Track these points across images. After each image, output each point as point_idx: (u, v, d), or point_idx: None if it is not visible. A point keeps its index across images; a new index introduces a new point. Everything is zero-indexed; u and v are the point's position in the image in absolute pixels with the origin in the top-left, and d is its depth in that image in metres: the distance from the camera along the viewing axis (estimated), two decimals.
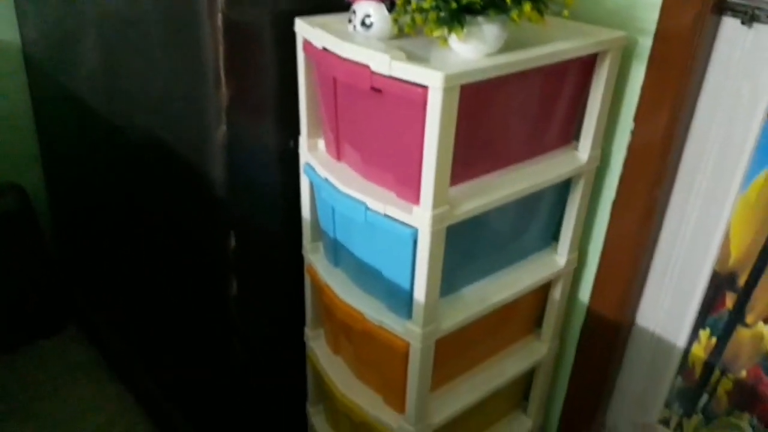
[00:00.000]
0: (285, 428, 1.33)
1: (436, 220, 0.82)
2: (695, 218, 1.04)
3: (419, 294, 0.89)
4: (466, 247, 0.96)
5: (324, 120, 0.97)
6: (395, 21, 0.85)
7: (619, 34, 0.94)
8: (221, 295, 1.11)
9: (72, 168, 1.56)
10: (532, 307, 1.15)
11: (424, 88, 0.74)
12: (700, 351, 1.11)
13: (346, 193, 0.91)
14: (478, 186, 0.90)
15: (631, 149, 1.03)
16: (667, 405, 1.19)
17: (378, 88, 0.79)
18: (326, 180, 0.95)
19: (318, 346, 1.16)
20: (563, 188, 1.05)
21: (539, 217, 1.06)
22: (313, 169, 0.98)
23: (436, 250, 0.86)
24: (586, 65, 0.94)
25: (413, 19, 0.81)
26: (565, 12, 0.82)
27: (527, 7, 0.76)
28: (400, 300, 0.94)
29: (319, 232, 1.09)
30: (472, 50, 0.79)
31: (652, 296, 1.13)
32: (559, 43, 0.86)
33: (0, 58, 1.61)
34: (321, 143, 1.01)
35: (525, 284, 1.04)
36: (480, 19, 0.77)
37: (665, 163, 1.01)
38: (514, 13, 0.76)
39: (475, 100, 0.81)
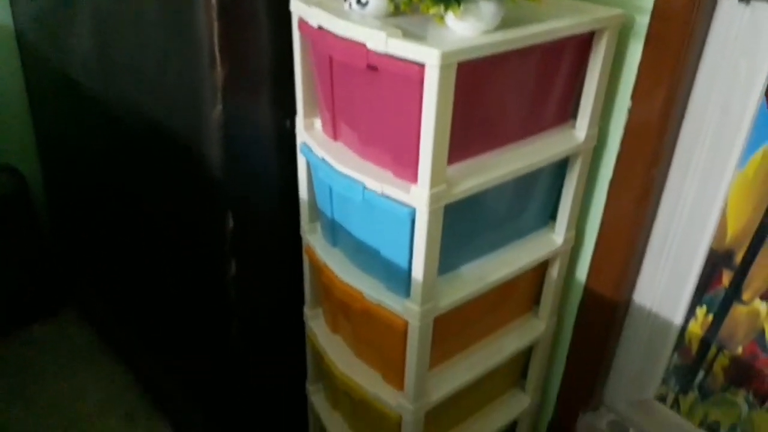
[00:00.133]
0: (285, 407, 1.34)
1: (433, 199, 0.82)
2: (692, 196, 1.04)
3: (417, 272, 0.89)
4: (464, 226, 0.97)
5: (320, 99, 0.96)
6: None
7: (616, 12, 0.93)
8: (220, 276, 1.11)
9: (67, 151, 1.56)
10: (529, 286, 1.16)
11: (421, 65, 0.74)
12: (696, 328, 1.12)
13: (344, 173, 0.91)
14: (475, 165, 0.90)
15: (629, 128, 1.03)
16: (664, 382, 1.20)
17: (374, 65, 0.79)
18: (323, 160, 0.95)
19: (317, 326, 1.17)
20: (560, 167, 1.05)
21: (536, 196, 1.06)
22: (309, 148, 0.98)
23: (434, 229, 0.86)
24: (583, 43, 0.94)
25: None
26: None
27: None
28: (399, 279, 0.94)
29: (316, 213, 1.09)
30: (468, 28, 0.79)
31: (649, 274, 1.13)
32: (556, 21, 0.86)
33: None
34: (317, 123, 1.01)
35: (523, 263, 1.05)
36: None
37: (662, 142, 1.01)
38: None
39: (472, 78, 0.80)
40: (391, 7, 0.85)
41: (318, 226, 1.10)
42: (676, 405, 1.20)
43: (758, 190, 0.97)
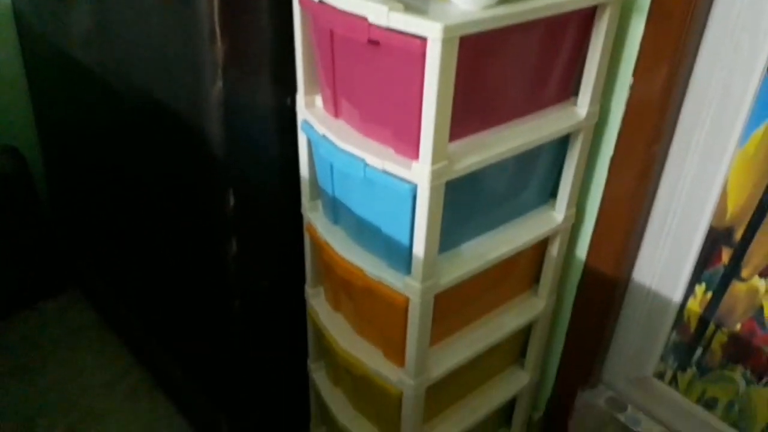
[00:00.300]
0: (286, 385, 1.35)
1: (435, 175, 0.82)
2: (693, 174, 1.04)
3: (418, 249, 0.90)
4: (465, 204, 0.97)
5: (321, 76, 0.96)
6: None
7: None
8: (221, 254, 1.11)
9: (66, 129, 1.55)
10: (529, 264, 1.16)
11: (423, 39, 0.73)
12: (695, 306, 1.13)
13: (345, 150, 0.91)
14: (476, 142, 0.90)
15: (630, 105, 1.02)
16: (662, 359, 1.21)
17: (376, 40, 0.78)
18: (324, 137, 0.95)
19: (318, 304, 1.17)
20: (561, 144, 1.05)
21: (537, 173, 1.06)
22: (310, 126, 0.98)
23: (435, 206, 0.86)
24: (585, 18, 0.93)
25: None
26: None
27: None
28: (400, 256, 0.94)
29: (317, 190, 1.09)
30: (470, 2, 0.78)
31: (649, 252, 1.14)
32: None
33: None
34: (318, 100, 1.00)
35: (523, 240, 1.05)
36: None
37: (664, 119, 1.01)
38: None
39: (474, 53, 0.80)
40: None
41: (319, 204, 1.10)
42: (674, 382, 1.21)
43: (759, 167, 0.97)
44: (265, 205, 1.11)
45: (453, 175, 0.85)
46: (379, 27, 0.77)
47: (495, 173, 0.97)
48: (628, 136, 1.04)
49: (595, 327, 1.22)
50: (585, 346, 1.25)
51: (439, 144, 0.81)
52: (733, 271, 1.06)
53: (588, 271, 1.18)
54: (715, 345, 1.12)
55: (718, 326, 1.11)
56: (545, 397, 1.37)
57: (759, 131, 0.96)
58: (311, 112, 0.99)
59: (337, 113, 0.96)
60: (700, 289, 1.11)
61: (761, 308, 1.04)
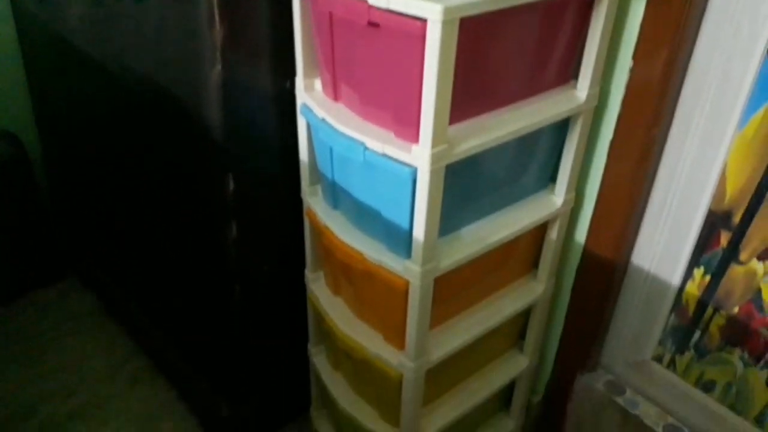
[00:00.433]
0: (287, 369, 1.36)
1: (435, 158, 0.82)
2: (692, 157, 1.04)
3: (418, 233, 0.90)
4: (465, 188, 0.97)
5: (320, 59, 0.96)
6: None
7: None
8: (221, 239, 1.11)
9: (64, 115, 1.55)
10: (529, 248, 1.17)
11: (423, 21, 0.73)
12: (694, 289, 1.13)
13: (344, 133, 0.91)
14: (476, 125, 0.90)
15: (630, 88, 1.02)
16: (661, 343, 1.22)
17: (375, 22, 0.78)
18: (323, 120, 0.94)
19: (318, 288, 1.17)
20: (561, 128, 1.05)
21: (537, 157, 1.06)
22: (310, 109, 0.98)
23: (435, 189, 0.86)
24: (585, 1, 0.93)
25: None
26: None
27: None
28: (400, 240, 0.94)
29: (317, 175, 1.09)
30: None
31: (648, 236, 1.14)
32: None
33: None
34: (317, 83, 1.00)
35: (522, 224, 1.05)
36: None
37: (663, 102, 1.01)
38: None
39: (474, 35, 0.80)
40: None
41: (318, 188, 1.11)
42: (672, 365, 1.21)
43: (758, 150, 0.97)
44: (264, 190, 1.11)
45: (453, 159, 0.85)
46: (378, 9, 0.77)
47: (495, 157, 0.97)
48: (628, 119, 1.04)
49: (594, 311, 1.23)
50: (584, 330, 1.26)
51: (439, 127, 0.81)
52: (731, 254, 1.06)
53: (587, 254, 1.18)
54: (713, 328, 1.13)
55: (716, 309, 1.11)
56: (544, 381, 1.38)
57: (758, 114, 0.96)
58: (310, 95, 0.99)
59: (336, 97, 0.96)
60: (698, 272, 1.12)
61: (759, 291, 1.04)
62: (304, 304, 1.24)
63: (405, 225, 0.92)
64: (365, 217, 0.99)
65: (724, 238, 1.06)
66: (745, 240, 1.04)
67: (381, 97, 0.87)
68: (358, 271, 1.01)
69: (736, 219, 1.04)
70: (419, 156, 0.83)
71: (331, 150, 0.98)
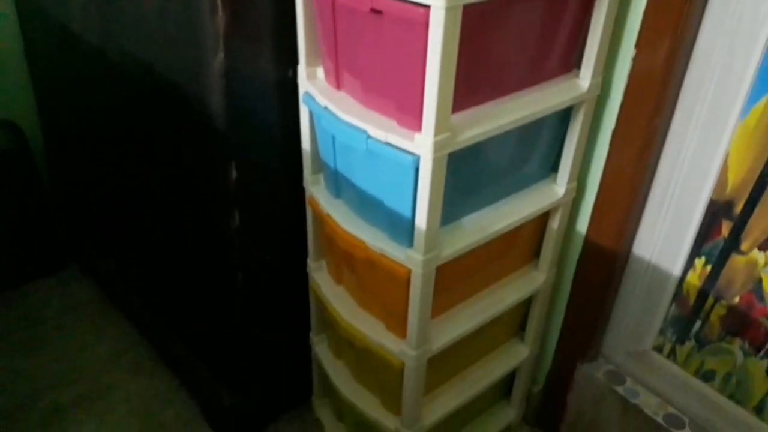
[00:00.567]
0: (289, 358, 1.36)
1: (438, 146, 0.83)
2: (694, 146, 1.04)
3: (420, 221, 0.90)
4: (467, 177, 0.97)
5: (323, 47, 0.96)
6: None
7: None
8: (223, 227, 1.12)
9: (66, 103, 1.55)
10: (530, 237, 1.17)
11: (426, 8, 0.73)
12: (694, 279, 1.13)
13: (347, 121, 0.91)
14: (479, 113, 0.90)
15: (632, 77, 1.02)
16: (661, 332, 1.22)
17: (378, 9, 0.78)
18: (326, 108, 0.94)
19: (320, 277, 1.18)
20: (563, 117, 1.05)
21: (539, 147, 1.06)
22: (312, 98, 0.98)
23: (438, 178, 0.86)
24: None
25: None
26: None
27: None
28: (402, 228, 0.95)
29: (319, 164, 1.09)
30: None
31: (649, 225, 1.14)
32: None
33: None
34: (320, 72, 1.00)
35: (524, 214, 1.05)
36: None
37: (666, 91, 1.01)
38: None
39: (477, 22, 0.80)
40: None
41: (321, 177, 1.11)
42: (672, 355, 1.22)
43: (760, 140, 0.97)
44: (267, 179, 1.11)
45: (456, 147, 0.85)
46: None
47: (497, 146, 0.97)
48: (630, 109, 1.04)
49: (595, 300, 1.23)
50: (585, 320, 1.26)
51: (442, 115, 0.81)
52: (732, 244, 1.06)
53: (588, 244, 1.19)
54: (714, 318, 1.13)
55: (717, 299, 1.12)
56: (545, 371, 1.38)
57: (760, 104, 0.96)
58: (313, 83, 0.99)
59: (339, 85, 0.96)
60: (699, 262, 1.12)
61: (760, 281, 1.05)
62: (306, 293, 1.25)
63: (407, 213, 0.92)
64: (367, 205, 1.00)
65: (726, 227, 1.06)
66: (746, 230, 1.04)
67: (384, 85, 0.87)
68: (360, 259, 1.02)
69: (738, 209, 1.04)
70: (422, 144, 0.83)
71: (333, 138, 0.98)
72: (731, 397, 1.14)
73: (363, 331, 1.07)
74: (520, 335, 1.31)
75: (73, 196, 1.74)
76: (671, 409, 1.20)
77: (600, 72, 1.01)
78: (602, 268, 1.19)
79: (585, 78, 1.00)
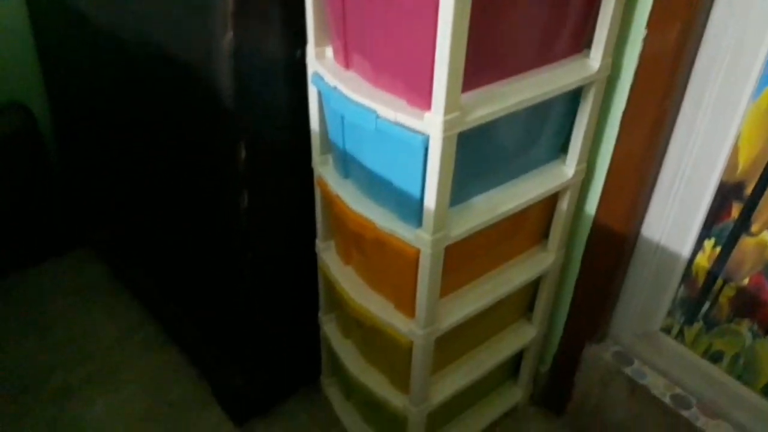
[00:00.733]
0: (298, 337, 1.37)
1: (447, 125, 0.82)
2: (705, 128, 1.04)
3: (429, 201, 0.90)
4: (476, 157, 0.97)
5: (332, 27, 0.95)
6: None
7: None
8: (232, 208, 1.12)
9: (74, 85, 1.55)
10: (539, 218, 1.17)
11: None
12: (704, 260, 1.13)
13: (356, 101, 0.91)
14: (489, 93, 0.90)
15: (643, 58, 1.01)
16: (670, 314, 1.22)
17: None
18: (335, 88, 0.94)
19: (329, 258, 1.18)
20: (573, 98, 1.04)
21: (549, 127, 1.06)
22: (321, 78, 0.98)
23: (447, 158, 0.86)
24: None
25: None
26: None
27: None
28: (411, 208, 0.95)
29: (328, 144, 1.09)
30: None
31: (659, 207, 1.14)
32: None
33: None
34: (329, 51, 1.00)
35: (533, 195, 1.05)
36: None
37: (677, 72, 1.00)
38: None
39: (488, 0, 0.79)
40: None
41: (329, 158, 1.11)
42: (680, 336, 1.22)
43: None
44: (276, 159, 1.11)
45: (465, 126, 0.85)
46: None
47: (506, 127, 0.97)
48: (641, 89, 1.04)
49: (604, 282, 1.23)
50: (593, 301, 1.27)
51: (452, 94, 0.80)
52: (742, 225, 1.06)
53: (597, 226, 1.19)
54: (723, 299, 1.13)
55: (726, 281, 1.12)
56: (552, 351, 1.39)
57: None
58: (322, 63, 0.98)
59: (348, 65, 0.95)
60: (708, 243, 1.12)
61: None
62: (314, 273, 1.25)
63: (416, 194, 0.92)
64: (376, 186, 1.00)
65: (736, 209, 1.06)
66: (756, 211, 1.04)
67: (393, 65, 0.87)
68: (369, 240, 1.02)
69: (748, 190, 1.03)
70: (432, 123, 0.83)
71: (342, 118, 0.98)
72: (739, 378, 1.15)
73: (371, 311, 1.07)
74: (528, 316, 1.32)
75: (82, 177, 1.75)
76: (678, 390, 1.20)
77: (610, 52, 1.00)
78: (611, 250, 1.19)
79: (595, 58, 1.00)
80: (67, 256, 1.82)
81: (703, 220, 1.10)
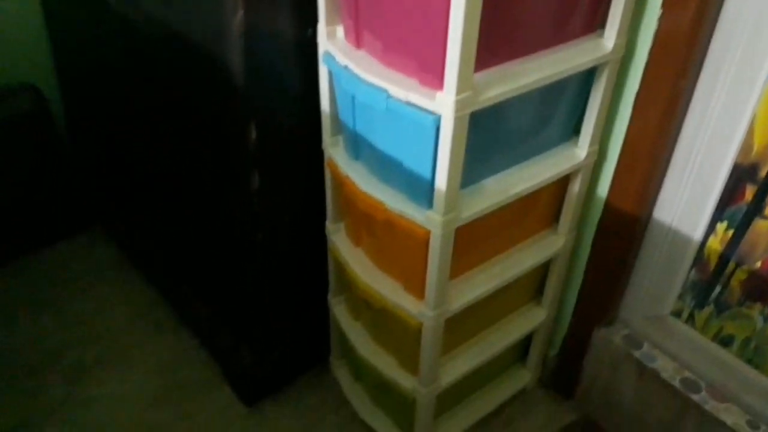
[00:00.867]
0: (308, 318, 1.38)
1: (459, 105, 0.82)
2: (719, 109, 1.03)
3: (441, 182, 0.90)
4: (488, 138, 0.96)
5: (342, 5, 0.94)
6: None
7: None
8: (243, 189, 1.12)
9: (85, 66, 1.55)
10: (550, 201, 1.16)
11: None
12: (716, 243, 1.12)
13: (367, 81, 0.90)
14: (501, 73, 0.89)
15: (658, 37, 1.00)
16: (680, 297, 1.22)
17: None
18: (346, 68, 0.94)
19: (339, 239, 1.18)
20: (586, 79, 1.03)
21: (561, 108, 1.05)
22: (332, 57, 0.97)
23: (459, 138, 0.85)
24: None
25: None
26: None
27: None
28: (422, 190, 0.94)
29: (338, 126, 1.08)
30: None
31: (671, 190, 1.13)
32: None
33: None
34: (339, 31, 0.99)
35: (545, 176, 1.05)
36: None
37: (692, 52, 0.99)
38: None
39: None
40: None
41: (340, 139, 1.10)
42: (691, 320, 1.21)
43: None
44: (287, 140, 1.11)
45: (478, 106, 0.84)
46: None
47: (519, 107, 0.96)
48: (655, 70, 1.02)
49: (614, 265, 1.22)
50: (603, 284, 1.26)
51: (465, 73, 0.80)
52: (756, 208, 1.05)
53: (609, 208, 1.18)
54: (734, 283, 1.12)
55: (738, 264, 1.11)
56: (561, 334, 1.39)
57: None
58: (333, 43, 0.98)
59: (359, 44, 0.95)
60: (721, 226, 1.11)
61: None
62: (324, 254, 1.25)
63: (427, 175, 0.92)
64: (387, 167, 0.99)
65: (749, 191, 1.05)
66: None
67: (405, 44, 0.86)
68: (379, 221, 1.02)
69: (763, 172, 1.02)
70: (443, 103, 0.82)
71: (353, 98, 0.97)
72: (749, 361, 1.14)
73: (381, 293, 1.07)
74: (538, 299, 1.32)
75: (93, 158, 1.75)
76: (688, 374, 1.20)
77: (625, 32, 0.99)
78: (622, 233, 1.18)
79: (609, 38, 0.98)
80: (79, 238, 1.82)
81: (716, 202, 1.09)
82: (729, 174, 1.06)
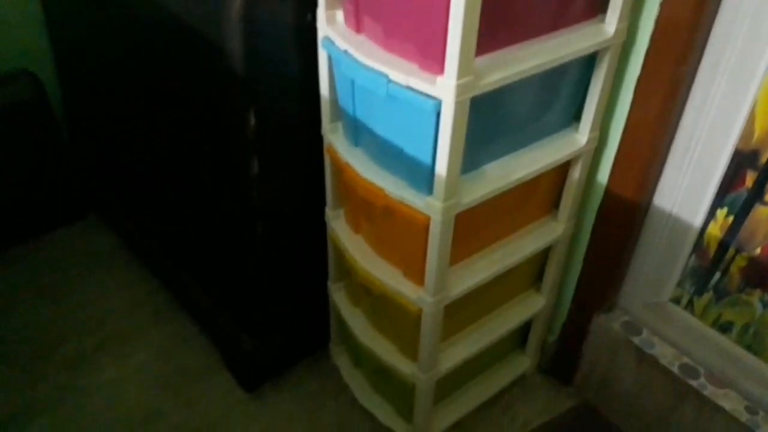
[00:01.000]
0: (307, 305, 1.38)
1: (460, 90, 0.81)
2: (720, 95, 1.02)
3: (441, 168, 0.90)
4: (488, 124, 0.96)
5: None
6: None
7: None
8: (243, 175, 1.12)
9: (83, 52, 1.54)
10: (550, 187, 1.16)
11: None
12: (716, 230, 1.12)
13: (367, 65, 0.90)
14: (502, 57, 0.88)
15: (659, 22, 0.99)
16: (680, 284, 1.22)
17: None
18: (346, 52, 0.93)
19: (339, 226, 1.18)
20: (587, 64, 1.02)
21: (562, 94, 1.04)
22: (331, 42, 0.96)
23: (460, 123, 0.85)
24: None
25: None
26: None
27: None
28: (422, 176, 0.94)
29: (338, 111, 1.08)
30: None
31: (672, 176, 1.13)
32: None
33: None
34: (339, 15, 0.98)
35: (545, 162, 1.04)
36: None
37: (693, 38, 0.98)
38: None
39: None
40: None
41: (339, 125, 1.10)
42: (690, 306, 1.22)
43: None
44: (286, 126, 1.10)
45: (478, 91, 0.84)
46: None
47: (519, 93, 0.95)
48: (656, 55, 1.02)
49: (614, 252, 1.23)
50: (602, 271, 1.26)
51: (466, 57, 0.79)
52: (756, 194, 1.05)
53: (609, 195, 1.18)
54: (734, 269, 1.12)
55: (737, 250, 1.11)
56: (561, 321, 1.39)
57: None
58: (332, 27, 0.97)
59: (359, 28, 0.94)
60: (721, 213, 1.11)
61: None
62: (324, 241, 1.25)
63: (427, 160, 0.92)
64: (387, 153, 0.99)
65: (750, 178, 1.05)
66: None
67: (405, 28, 0.86)
68: (379, 207, 1.02)
69: (763, 159, 1.02)
70: (444, 88, 0.82)
71: (353, 83, 0.97)
72: (748, 348, 1.15)
73: (381, 279, 1.07)
74: (537, 285, 1.32)
75: (92, 145, 1.75)
76: (687, 360, 1.20)
77: (626, 17, 0.98)
78: (622, 219, 1.18)
79: (611, 23, 0.98)
80: (78, 225, 1.82)
81: (717, 188, 1.09)
82: (729, 160, 1.06)
